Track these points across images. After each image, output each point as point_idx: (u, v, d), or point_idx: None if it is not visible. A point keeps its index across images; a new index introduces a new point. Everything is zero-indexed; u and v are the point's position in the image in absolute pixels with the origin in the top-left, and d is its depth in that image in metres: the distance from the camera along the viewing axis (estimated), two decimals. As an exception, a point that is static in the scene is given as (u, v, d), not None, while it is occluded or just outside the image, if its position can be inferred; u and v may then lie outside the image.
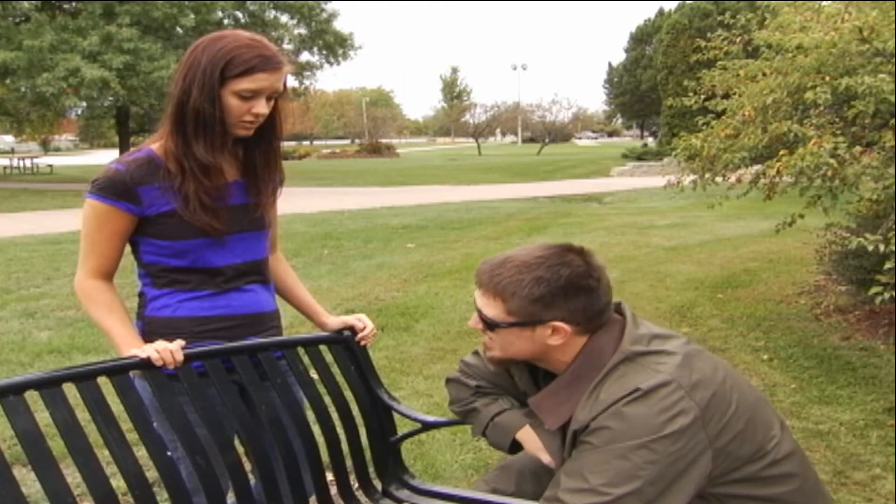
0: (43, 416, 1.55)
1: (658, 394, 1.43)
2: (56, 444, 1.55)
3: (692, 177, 5.26)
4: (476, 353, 1.93)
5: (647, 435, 1.40)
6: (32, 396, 1.52)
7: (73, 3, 22.96)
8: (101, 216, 1.78)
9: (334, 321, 2.13)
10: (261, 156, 1.91)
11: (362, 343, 2.13)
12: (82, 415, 1.57)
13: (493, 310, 1.58)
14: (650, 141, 39.32)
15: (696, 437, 1.43)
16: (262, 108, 1.78)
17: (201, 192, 1.79)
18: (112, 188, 1.76)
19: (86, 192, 1.80)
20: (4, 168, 29.61)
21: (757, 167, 4.75)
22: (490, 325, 1.60)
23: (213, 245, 1.84)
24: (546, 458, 1.71)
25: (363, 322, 2.13)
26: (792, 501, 1.57)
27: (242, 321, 1.91)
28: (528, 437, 1.77)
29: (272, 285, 2.05)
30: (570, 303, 1.53)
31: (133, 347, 1.73)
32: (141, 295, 1.90)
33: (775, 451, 1.55)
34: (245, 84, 1.74)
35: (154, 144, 1.83)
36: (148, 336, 1.82)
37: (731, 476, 1.50)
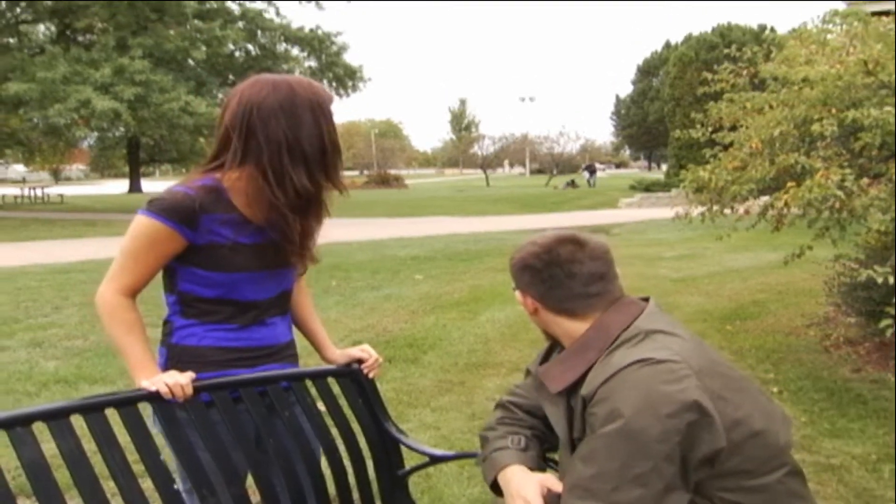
0: (49, 447, 1.55)
1: (666, 366, 1.45)
2: (61, 475, 1.55)
3: (700, 208, 5.27)
4: (528, 370, 1.90)
5: (652, 407, 1.39)
6: (39, 427, 1.52)
7: (88, 36, 23.30)
8: (154, 235, 1.77)
9: (341, 356, 2.14)
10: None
11: (369, 374, 2.13)
12: (88, 445, 1.57)
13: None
14: (586, 175, 39.92)
15: (705, 416, 1.41)
16: None
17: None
18: (177, 212, 1.76)
19: (143, 209, 1.77)
20: (15, 197, 29.83)
21: (765, 199, 4.75)
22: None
23: (250, 280, 1.86)
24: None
25: (367, 353, 2.14)
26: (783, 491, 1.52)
27: (261, 352, 1.93)
28: (510, 477, 1.67)
29: (289, 316, 2.07)
30: (540, 284, 1.67)
31: (146, 371, 1.74)
32: (167, 322, 1.90)
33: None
34: None
35: (217, 174, 1.83)
36: (171, 362, 1.84)
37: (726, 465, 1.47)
